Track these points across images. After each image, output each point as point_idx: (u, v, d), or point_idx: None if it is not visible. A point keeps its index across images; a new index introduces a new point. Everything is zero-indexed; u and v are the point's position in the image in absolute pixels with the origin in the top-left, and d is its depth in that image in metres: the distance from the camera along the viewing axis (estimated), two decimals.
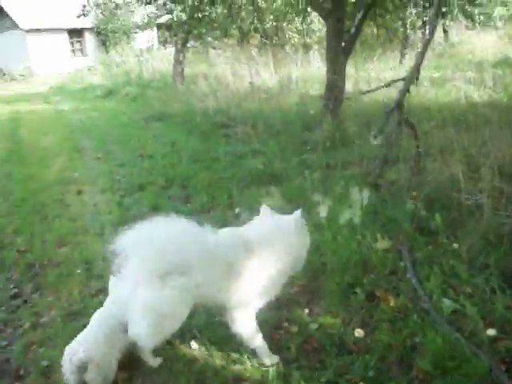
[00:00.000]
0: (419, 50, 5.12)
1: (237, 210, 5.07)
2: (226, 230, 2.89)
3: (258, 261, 2.70)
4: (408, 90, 4.94)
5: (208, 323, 3.25)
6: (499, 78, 10.75)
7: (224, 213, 5.10)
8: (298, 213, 2.79)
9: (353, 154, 6.06)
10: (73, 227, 5.18)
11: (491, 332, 2.98)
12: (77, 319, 3.50)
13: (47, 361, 3.09)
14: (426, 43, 5.29)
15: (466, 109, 8.54)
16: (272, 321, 3.21)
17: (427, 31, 5.38)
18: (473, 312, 3.09)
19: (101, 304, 3.64)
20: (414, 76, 5.01)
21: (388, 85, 5.89)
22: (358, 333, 3.08)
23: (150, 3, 11.22)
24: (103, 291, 3.85)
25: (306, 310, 3.38)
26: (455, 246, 4.01)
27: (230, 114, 8.82)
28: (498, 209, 4.48)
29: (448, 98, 9.67)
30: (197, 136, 8.03)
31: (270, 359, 2.85)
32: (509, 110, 8.08)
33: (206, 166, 6.52)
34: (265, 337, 3.07)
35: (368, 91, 6.73)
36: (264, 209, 2.92)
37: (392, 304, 3.31)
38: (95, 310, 3.53)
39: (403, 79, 5.16)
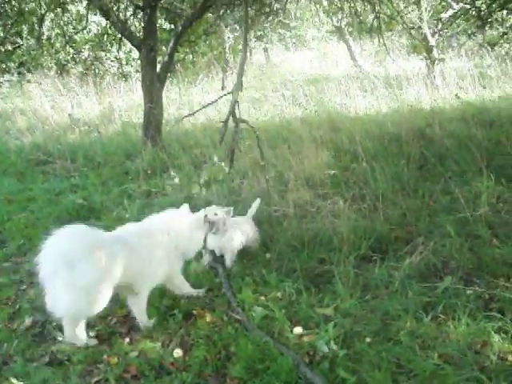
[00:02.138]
0: (238, 68, 5.95)
1: None
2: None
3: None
4: (237, 101, 5.43)
5: (24, 370, 3.09)
6: (311, 95, 11.83)
7: None
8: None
9: (172, 178, 6.19)
10: None
11: (297, 330, 3.28)
12: None
13: None
14: (242, 61, 5.96)
15: (280, 126, 9.23)
16: (92, 356, 3.17)
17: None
18: (280, 315, 3.37)
19: None
20: (238, 88, 5.52)
21: (205, 106, 6.65)
22: (177, 353, 3.15)
23: None
24: None
25: (127, 340, 3.38)
26: (268, 255, 4.33)
27: (47, 149, 8.42)
28: (304, 216, 4.94)
29: (265, 117, 10.36)
30: (12, 176, 7.52)
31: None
32: (319, 124, 8.91)
33: (22, 206, 6.13)
34: (84, 374, 3.04)
35: (189, 115, 6.91)
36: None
37: (208, 320, 3.46)
38: None
39: (230, 92, 5.64)
